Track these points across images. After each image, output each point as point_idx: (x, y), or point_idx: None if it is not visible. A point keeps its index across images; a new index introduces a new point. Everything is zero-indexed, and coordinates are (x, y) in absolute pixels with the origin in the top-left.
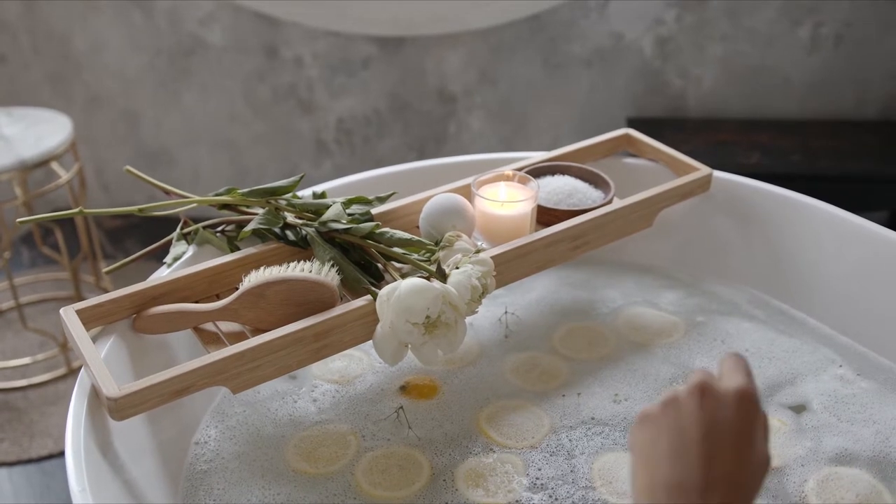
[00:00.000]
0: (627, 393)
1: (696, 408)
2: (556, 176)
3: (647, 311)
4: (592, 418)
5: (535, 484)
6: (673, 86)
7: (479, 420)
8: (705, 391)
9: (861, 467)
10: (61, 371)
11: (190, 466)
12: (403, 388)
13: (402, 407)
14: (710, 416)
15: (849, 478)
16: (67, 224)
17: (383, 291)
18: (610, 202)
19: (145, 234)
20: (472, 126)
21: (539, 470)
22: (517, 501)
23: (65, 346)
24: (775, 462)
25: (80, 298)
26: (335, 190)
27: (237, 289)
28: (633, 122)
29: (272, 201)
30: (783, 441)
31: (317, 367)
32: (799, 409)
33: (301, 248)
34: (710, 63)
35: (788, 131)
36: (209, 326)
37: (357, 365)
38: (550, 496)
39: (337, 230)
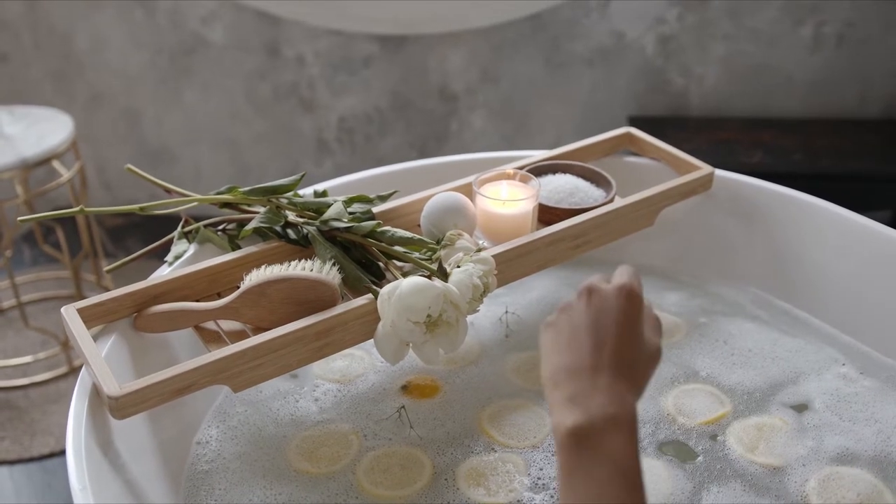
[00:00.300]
0: None
1: (585, 305)
2: (557, 175)
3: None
4: None
5: (536, 484)
6: (675, 84)
7: (481, 419)
8: (592, 291)
9: (862, 467)
10: (62, 370)
11: (191, 466)
12: (405, 388)
13: (403, 406)
14: (596, 309)
15: (850, 477)
16: (68, 222)
17: (384, 290)
18: (611, 201)
19: (146, 232)
20: (474, 125)
21: (541, 469)
22: (518, 501)
23: (66, 344)
24: (777, 462)
25: (82, 297)
26: (336, 188)
27: (238, 287)
28: (634, 121)
29: (273, 200)
30: (785, 441)
31: (318, 367)
32: (801, 408)
33: (302, 247)
34: (712, 62)
35: (790, 130)
36: (210, 325)
37: (358, 364)
38: (552, 496)
39: (338, 229)
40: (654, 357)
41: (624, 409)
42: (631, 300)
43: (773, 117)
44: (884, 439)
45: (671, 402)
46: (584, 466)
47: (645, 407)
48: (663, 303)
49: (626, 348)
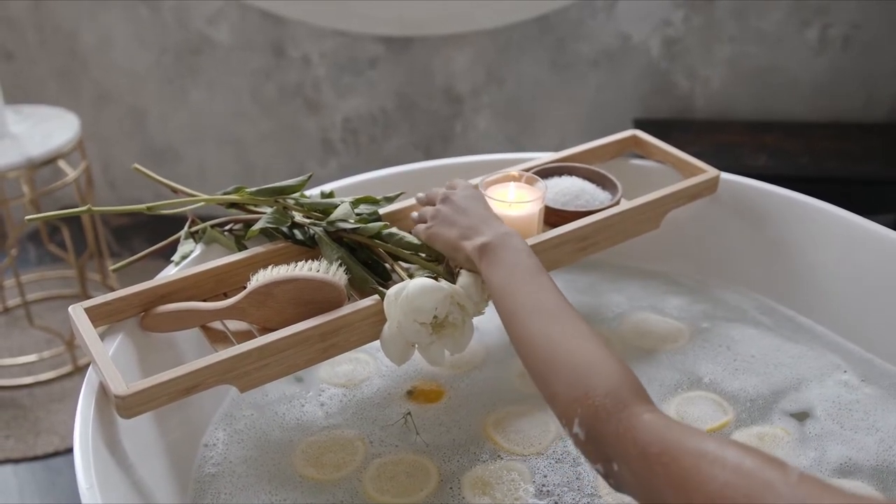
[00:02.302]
0: None
1: (448, 206)
2: (563, 177)
3: (652, 316)
4: None
5: (541, 491)
6: (680, 87)
7: (486, 426)
8: (446, 197)
9: (864, 477)
10: (67, 368)
11: (198, 469)
12: (410, 393)
13: (409, 413)
14: (458, 200)
15: (849, 489)
16: (74, 222)
17: (391, 291)
18: (617, 203)
19: (152, 232)
20: (479, 126)
21: (545, 477)
22: None
23: (71, 343)
24: None
25: (87, 296)
26: (343, 189)
27: (245, 288)
28: (640, 123)
29: (280, 200)
30: (787, 451)
31: (324, 371)
32: (802, 416)
33: (309, 248)
34: (717, 64)
35: (796, 133)
36: (217, 325)
37: (364, 368)
38: (556, 503)
39: (345, 230)
40: (507, 230)
41: (512, 234)
42: (475, 192)
43: (779, 120)
44: (885, 448)
45: (674, 409)
46: (497, 260)
47: None
48: (665, 307)
49: (489, 215)
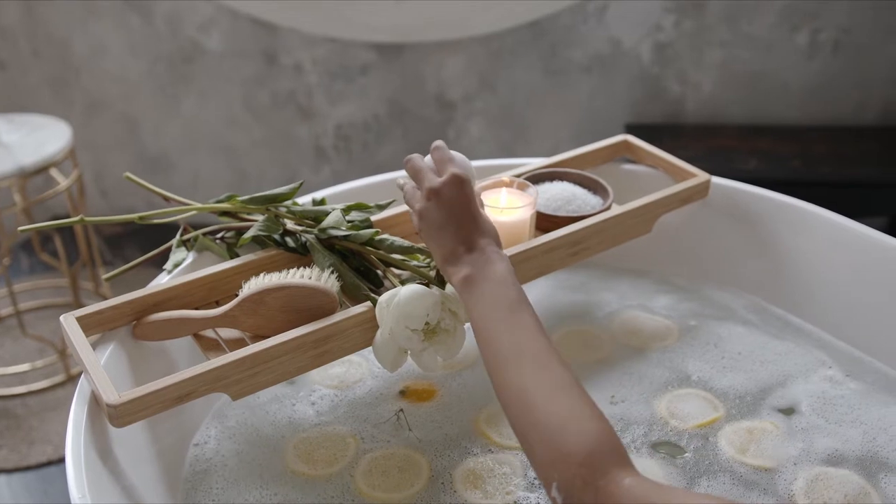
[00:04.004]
0: (624, 395)
1: (435, 205)
2: (554, 182)
3: (642, 314)
4: None
5: (532, 484)
6: (672, 92)
7: (479, 422)
8: (435, 192)
9: (850, 468)
10: (60, 378)
11: (189, 469)
12: (402, 393)
13: (401, 409)
14: (445, 205)
15: (838, 478)
16: (66, 231)
17: (383, 298)
18: (608, 208)
19: (145, 240)
20: (472, 132)
21: None
22: (515, 502)
23: (64, 352)
24: (767, 463)
25: (79, 305)
26: (335, 196)
27: (237, 295)
28: (631, 128)
29: (272, 208)
30: (775, 444)
31: (316, 373)
32: (789, 411)
33: (301, 255)
34: (708, 69)
35: (788, 137)
36: (209, 333)
37: (356, 370)
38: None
39: (336, 237)
40: (493, 229)
41: (496, 253)
42: (462, 185)
43: (771, 124)
44: (870, 440)
45: (665, 406)
46: (478, 294)
47: (638, 410)
48: (655, 306)
49: (475, 219)
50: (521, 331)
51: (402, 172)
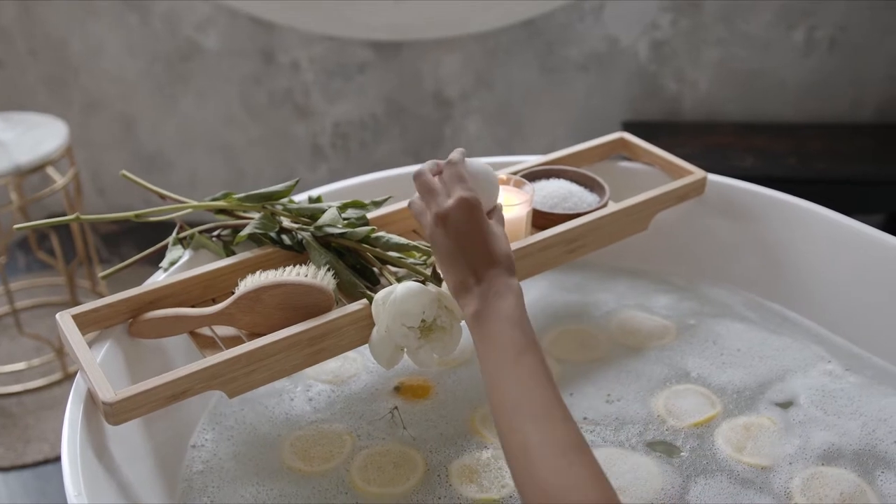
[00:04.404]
0: (620, 393)
1: (443, 233)
2: (551, 180)
3: (640, 314)
4: (585, 418)
5: None
6: (668, 89)
7: (474, 420)
8: (443, 217)
9: (847, 463)
10: (57, 376)
11: (186, 467)
12: (397, 389)
13: (396, 407)
14: (453, 232)
15: (834, 477)
16: (63, 229)
17: (379, 295)
18: (605, 206)
19: (141, 238)
20: (469, 130)
21: None
22: (510, 496)
23: (60, 351)
24: (764, 461)
25: (76, 303)
26: (331, 194)
27: (233, 293)
28: (628, 126)
29: (268, 206)
30: (772, 440)
31: (311, 368)
32: (787, 405)
33: (297, 253)
34: (705, 67)
35: (784, 134)
36: (205, 331)
37: (351, 365)
38: None
39: (333, 234)
40: (503, 234)
41: (507, 286)
42: (472, 210)
43: (767, 122)
44: (868, 432)
45: (663, 403)
46: (486, 332)
47: (635, 409)
48: (653, 305)
49: (485, 247)
50: (528, 380)
51: (399, 171)
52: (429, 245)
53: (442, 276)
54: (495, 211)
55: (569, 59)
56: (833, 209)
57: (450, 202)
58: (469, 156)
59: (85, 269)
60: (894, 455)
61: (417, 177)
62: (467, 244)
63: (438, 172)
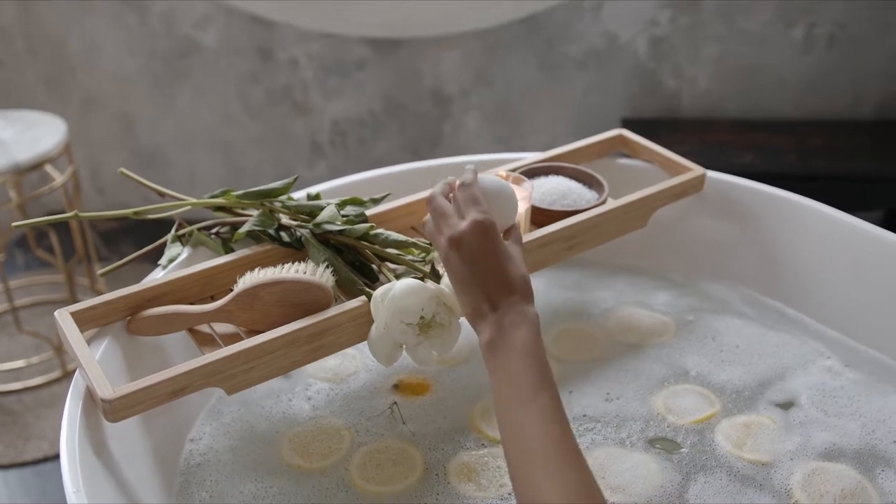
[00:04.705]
0: (619, 392)
1: (458, 258)
2: (550, 176)
3: (639, 311)
4: (584, 415)
5: None
6: (667, 86)
7: (473, 417)
8: (457, 242)
9: (847, 462)
10: (56, 374)
11: (184, 462)
12: (396, 387)
13: (395, 403)
14: (468, 257)
15: (835, 473)
16: (62, 227)
17: (378, 292)
18: (604, 203)
19: (140, 236)
20: (468, 127)
21: None
22: (508, 495)
23: (60, 348)
24: (765, 458)
25: (75, 301)
26: (329, 191)
27: (232, 290)
28: (627, 123)
29: (266, 203)
30: (772, 437)
31: (310, 366)
32: (787, 405)
33: (296, 250)
34: (704, 63)
35: (783, 131)
36: (204, 328)
37: (350, 363)
38: None
39: (331, 231)
40: (519, 255)
41: (522, 315)
42: (486, 233)
43: (766, 119)
44: (868, 432)
45: (662, 402)
46: (500, 363)
47: (634, 407)
48: (652, 302)
49: (500, 271)
50: (543, 421)
51: (398, 168)
52: (428, 242)
53: (457, 300)
54: (513, 230)
55: (568, 55)
56: (832, 206)
57: (463, 225)
58: (467, 153)
59: (84, 266)
60: (894, 454)
61: (430, 200)
62: (482, 268)
63: (451, 192)
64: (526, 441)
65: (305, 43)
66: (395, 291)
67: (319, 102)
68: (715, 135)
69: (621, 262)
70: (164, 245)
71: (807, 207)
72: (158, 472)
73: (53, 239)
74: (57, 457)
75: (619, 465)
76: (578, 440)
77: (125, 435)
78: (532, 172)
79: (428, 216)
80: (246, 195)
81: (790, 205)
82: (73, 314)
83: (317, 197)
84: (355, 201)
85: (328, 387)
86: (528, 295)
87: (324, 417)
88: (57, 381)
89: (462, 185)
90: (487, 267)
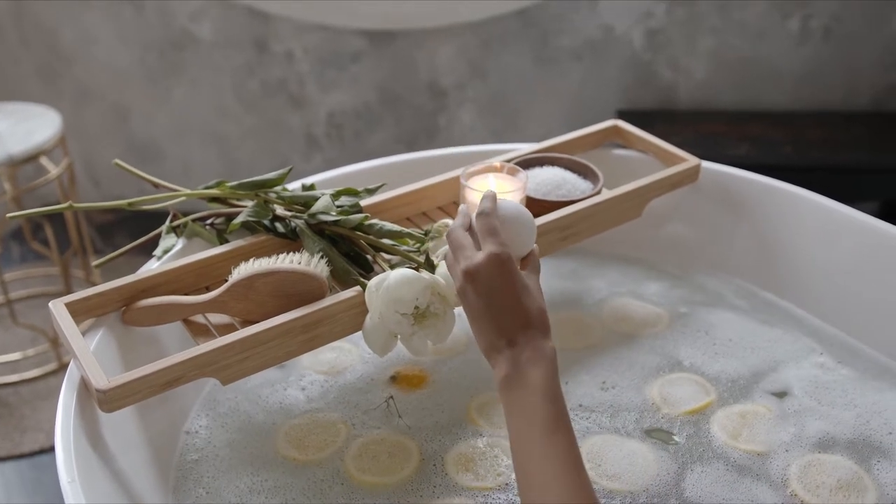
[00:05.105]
0: (614, 381)
1: (474, 292)
2: (544, 167)
3: (632, 301)
4: (580, 405)
5: None
6: (663, 78)
7: (470, 409)
8: (472, 275)
9: (843, 453)
10: (52, 366)
11: (180, 456)
12: (393, 379)
13: (391, 396)
14: (484, 290)
15: (831, 464)
16: (57, 219)
17: (372, 282)
18: (598, 193)
19: (135, 227)
20: (463, 119)
21: None
22: (506, 484)
23: (55, 341)
24: (760, 448)
25: (71, 293)
26: (324, 182)
27: (226, 281)
28: (623, 115)
29: (261, 194)
30: (767, 428)
31: (306, 358)
32: (782, 394)
33: (290, 240)
34: (700, 55)
35: (779, 123)
36: (199, 318)
37: (346, 357)
38: None
39: (326, 222)
40: (543, 312)
41: (539, 351)
42: (502, 266)
43: (762, 110)
44: (863, 423)
45: (657, 391)
46: (516, 401)
47: (629, 396)
48: (645, 292)
49: (517, 305)
50: (557, 464)
51: (393, 159)
52: (423, 232)
53: (473, 333)
54: (530, 258)
55: (563, 48)
56: (828, 197)
57: (479, 258)
58: (464, 145)
59: (79, 259)
60: (889, 445)
61: (449, 234)
62: (498, 302)
63: (470, 223)
64: (541, 482)
65: (301, 35)
66: (390, 281)
67: (315, 95)
68: (711, 126)
69: (616, 251)
70: (158, 236)
71: (802, 198)
72: (154, 464)
73: (49, 231)
74: (53, 449)
75: (615, 454)
76: (574, 428)
77: (120, 426)
78: (527, 163)
79: (446, 247)
80: (240, 186)
81: (785, 195)
82: (68, 305)
83: (311, 188)
84: (350, 192)
85: (324, 379)
86: (544, 328)
87: (320, 410)
88: (53, 373)
89: (480, 214)
90: (503, 300)
